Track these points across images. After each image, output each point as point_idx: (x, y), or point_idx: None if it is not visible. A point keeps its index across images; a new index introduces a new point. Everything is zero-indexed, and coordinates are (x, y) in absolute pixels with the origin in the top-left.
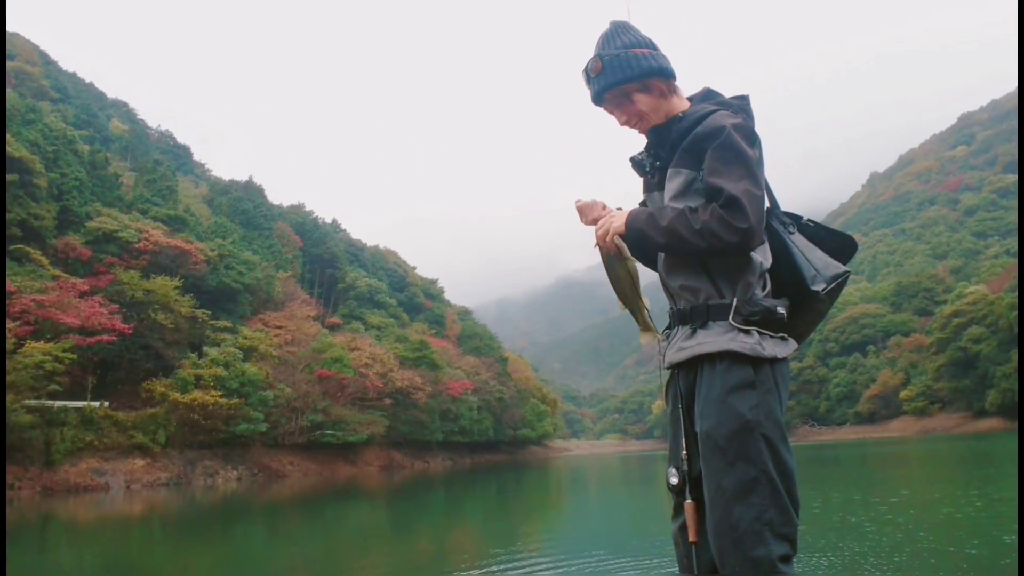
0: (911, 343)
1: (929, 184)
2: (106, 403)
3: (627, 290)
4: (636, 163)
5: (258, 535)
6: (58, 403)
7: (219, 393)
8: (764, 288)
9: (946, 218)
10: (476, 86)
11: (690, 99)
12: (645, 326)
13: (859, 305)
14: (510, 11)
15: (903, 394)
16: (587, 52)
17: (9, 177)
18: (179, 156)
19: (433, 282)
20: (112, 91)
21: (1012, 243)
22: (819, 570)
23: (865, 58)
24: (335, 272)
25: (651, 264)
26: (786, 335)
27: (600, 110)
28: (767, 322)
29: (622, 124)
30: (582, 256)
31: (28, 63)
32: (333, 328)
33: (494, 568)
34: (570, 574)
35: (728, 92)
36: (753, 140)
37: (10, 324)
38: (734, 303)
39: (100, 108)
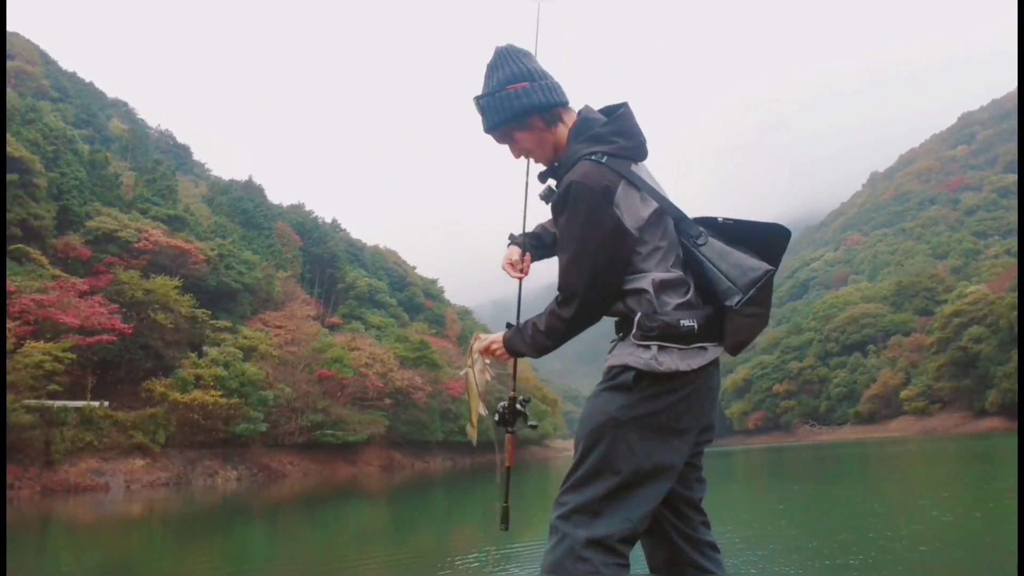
0: (911, 343)
1: (929, 184)
2: (106, 403)
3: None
4: (543, 198)
5: (258, 535)
6: (58, 403)
7: (219, 393)
8: (686, 296)
9: (946, 218)
10: (476, 87)
11: (572, 128)
12: (472, 423)
13: (859, 305)
14: (510, 15)
15: (903, 394)
16: (583, 59)
17: (9, 177)
18: (179, 156)
19: (433, 282)
20: (112, 91)
21: (1012, 243)
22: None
23: (876, 71)
24: (335, 272)
25: None
26: (705, 344)
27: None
28: (668, 336)
29: (516, 158)
30: None
31: (28, 63)
32: (333, 328)
33: (493, 568)
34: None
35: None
36: (599, 198)
37: (10, 324)
38: (636, 319)
39: (100, 108)
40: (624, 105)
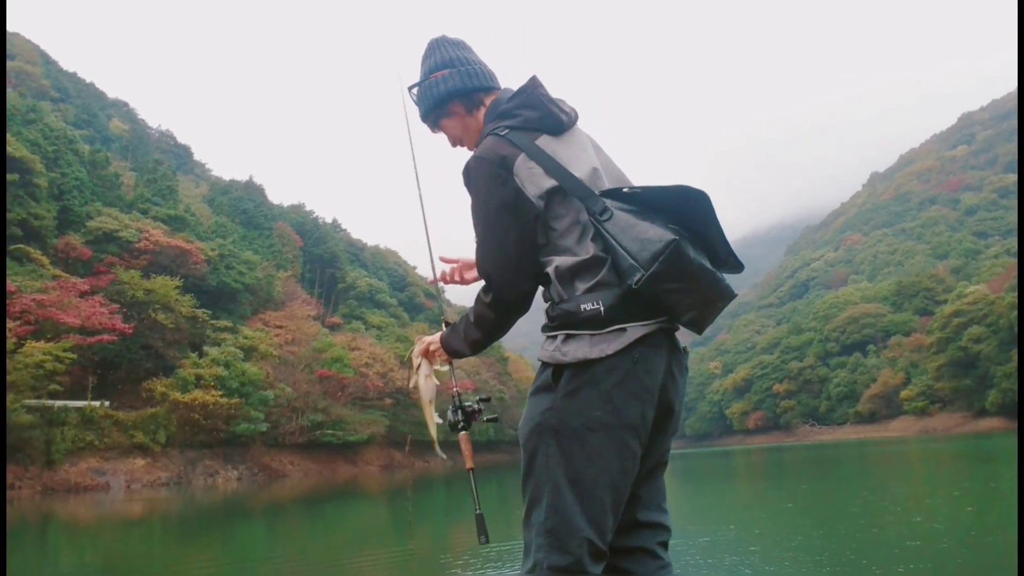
0: (911, 343)
1: (930, 184)
2: (106, 403)
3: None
4: None
5: (258, 535)
6: (58, 403)
7: (219, 393)
8: (597, 276)
9: (946, 218)
10: None
11: (486, 111)
12: (432, 436)
13: (859, 305)
14: (510, 18)
15: (903, 394)
16: (585, 58)
17: (9, 177)
18: (179, 156)
19: None
20: (112, 91)
21: (1012, 243)
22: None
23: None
24: (335, 272)
25: None
26: (624, 326)
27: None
28: (571, 323)
29: (452, 147)
30: None
31: (28, 63)
32: (333, 328)
33: (492, 569)
34: None
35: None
36: (497, 169)
37: (10, 324)
38: (546, 308)
39: (100, 108)
40: (531, 78)
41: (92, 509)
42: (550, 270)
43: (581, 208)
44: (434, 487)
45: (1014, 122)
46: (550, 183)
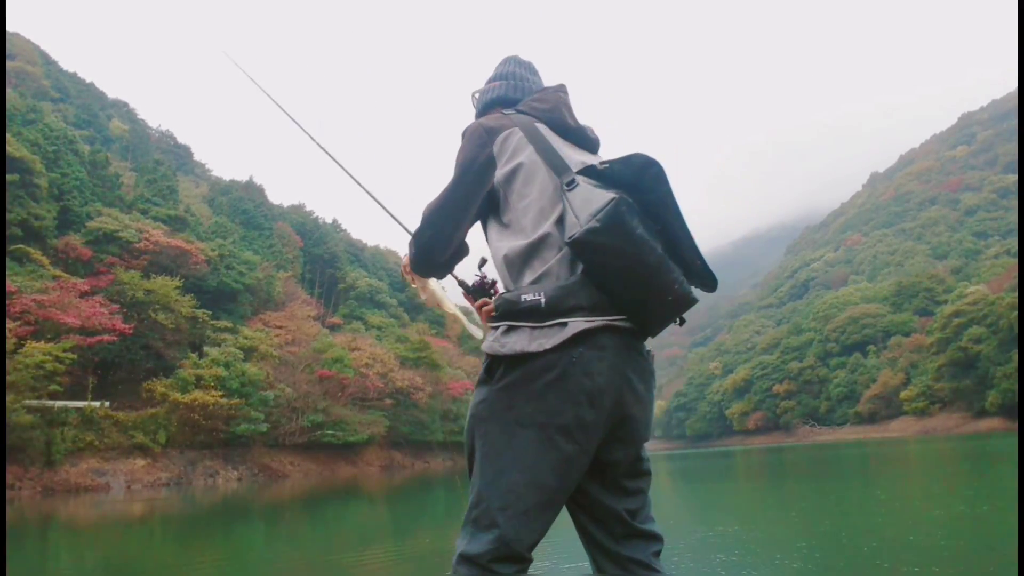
0: (911, 343)
1: (929, 184)
2: (107, 403)
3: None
4: None
5: (258, 535)
6: (58, 403)
7: (219, 393)
8: (546, 265)
9: (946, 218)
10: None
11: None
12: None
13: (859, 305)
14: (512, 20)
15: (903, 394)
16: (594, 62)
17: (9, 177)
18: (179, 156)
19: None
20: (113, 91)
21: (1012, 243)
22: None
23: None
24: (335, 272)
25: None
26: (565, 320)
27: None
28: (511, 314)
29: None
30: None
31: (28, 63)
32: (333, 328)
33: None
34: (570, 572)
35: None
36: (483, 132)
37: (10, 324)
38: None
39: (100, 108)
40: (559, 84)
41: (92, 509)
42: (500, 258)
43: (549, 190)
44: (434, 487)
45: (1014, 122)
46: (524, 158)
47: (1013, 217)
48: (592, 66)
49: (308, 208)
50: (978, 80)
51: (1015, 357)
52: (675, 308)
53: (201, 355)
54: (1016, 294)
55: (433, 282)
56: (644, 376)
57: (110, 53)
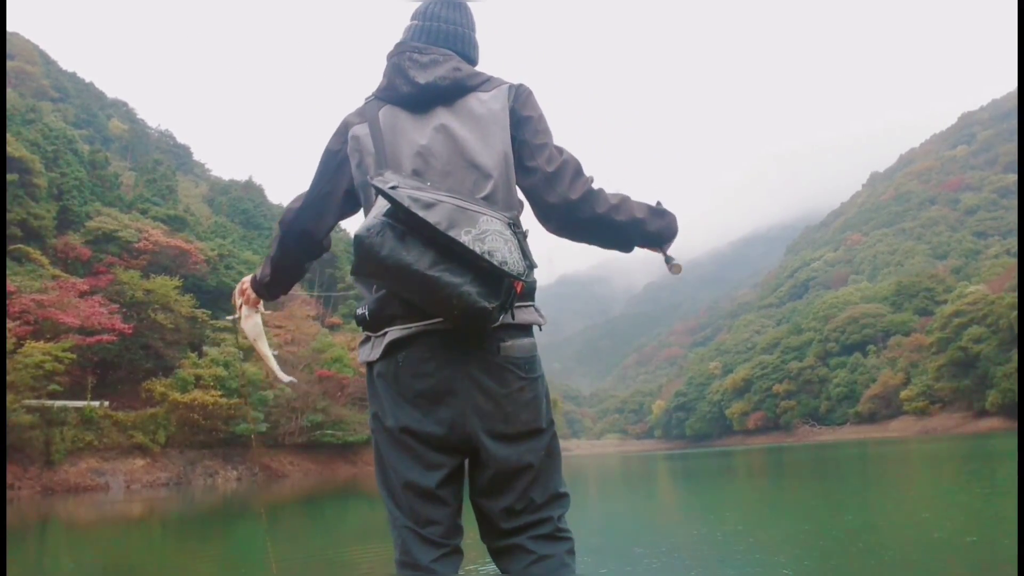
0: (911, 343)
1: (929, 184)
2: (106, 403)
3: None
4: None
5: (258, 535)
6: (58, 403)
7: (219, 393)
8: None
9: (946, 218)
10: None
11: None
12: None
13: (859, 305)
14: (514, 20)
15: (903, 394)
16: (594, 63)
17: (9, 177)
18: (179, 156)
19: None
20: (112, 91)
21: (1012, 243)
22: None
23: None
24: (335, 272)
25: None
26: (387, 329)
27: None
28: (361, 326)
29: None
30: (581, 256)
31: (28, 63)
32: (333, 328)
33: (491, 568)
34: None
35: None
36: (340, 128)
37: (10, 324)
38: None
39: (100, 108)
40: (398, 42)
41: (92, 509)
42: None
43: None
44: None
45: (1014, 122)
46: (367, 159)
47: (1013, 217)
48: (592, 67)
49: None
50: (978, 80)
51: (1015, 357)
52: (463, 320)
53: (200, 355)
54: (1016, 294)
55: (259, 318)
56: (492, 370)
57: (110, 53)
